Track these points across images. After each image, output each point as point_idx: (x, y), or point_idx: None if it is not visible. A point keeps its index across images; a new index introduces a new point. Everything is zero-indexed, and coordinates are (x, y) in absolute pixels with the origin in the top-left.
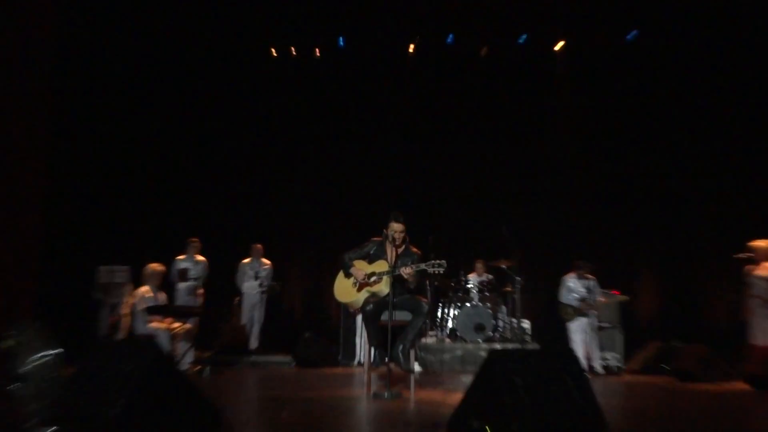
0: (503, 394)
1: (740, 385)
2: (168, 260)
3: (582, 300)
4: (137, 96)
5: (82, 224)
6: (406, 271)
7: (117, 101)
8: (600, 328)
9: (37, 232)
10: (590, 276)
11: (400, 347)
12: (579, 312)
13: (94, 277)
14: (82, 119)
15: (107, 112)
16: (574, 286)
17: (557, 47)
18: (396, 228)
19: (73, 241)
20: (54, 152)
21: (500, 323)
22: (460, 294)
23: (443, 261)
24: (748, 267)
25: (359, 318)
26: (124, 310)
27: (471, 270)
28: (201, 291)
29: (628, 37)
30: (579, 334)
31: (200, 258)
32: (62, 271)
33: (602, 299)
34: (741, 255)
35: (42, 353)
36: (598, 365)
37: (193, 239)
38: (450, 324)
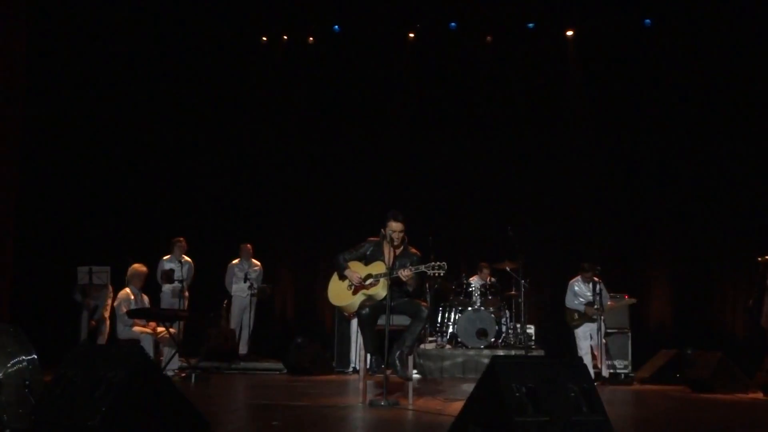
0: (506, 403)
1: (758, 396)
2: (151, 260)
3: (588, 304)
4: (118, 88)
5: (60, 221)
6: (404, 274)
7: (97, 92)
8: (608, 334)
9: (10, 229)
10: (597, 279)
11: (398, 353)
12: (586, 317)
13: (72, 278)
14: (59, 111)
15: (86, 104)
16: (579, 290)
17: (568, 34)
18: (395, 227)
19: (51, 240)
20: (29, 145)
21: (503, 328)
22: (462, 298)
23: (443, 263)
24: None
25: (354, 322)
26: (105, 313)
27: (473, 272)
28: (186, 293)
29: (646, 21)
30: (586, 340)
31: (186, 258)
32: (39, 271)
33: (611, 303)
34: (763, 258)
35: (18, 359)
36: (605, 372)
37: (179, 239)
38: (450, 329)
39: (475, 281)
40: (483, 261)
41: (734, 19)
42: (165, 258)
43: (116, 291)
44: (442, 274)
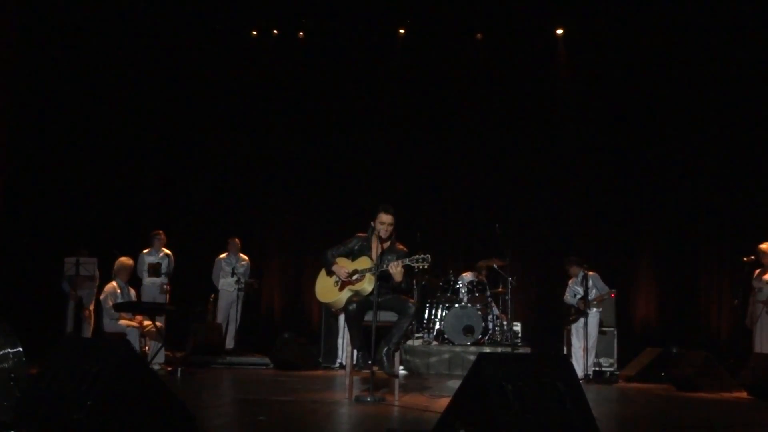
0: (492, 400)
1: (742, 395)
2: (138, 254)
3: (581, 299)
4: (107, 80)
5: (46, 212)
6: (394, 268)
7: (85, 84)
8: (601, 332)
9: None
10: (585, 272)
11: (385, 349)
12: (579, 312)
13: (59, 269)
14: (47, 102)
15: (75, 96)
16: (576, 288)
17: (557, 33)
18: (384, 219)
19: (37, 230)
20: (16, 135)
21: (490, 325)
22: (449, 294)
23: (427, 255)
24: (755, 271)
25: (341, 318)
26: (92, 306)
27: (460, 269)
28: (168, 287)
29: None
30: (579, 338)
31: (166, 251)
32: (25, 262)
33: (602, 296)
34: (748, 258)
35: (3, 352)
36: (589, 371)
37: (158, 231)
38: (437, 326)
39: (464, 278)
40: (480, 260)
41: (718, 17)
42: (145, 252)
43: (103, 284)
44: (426, 267)
